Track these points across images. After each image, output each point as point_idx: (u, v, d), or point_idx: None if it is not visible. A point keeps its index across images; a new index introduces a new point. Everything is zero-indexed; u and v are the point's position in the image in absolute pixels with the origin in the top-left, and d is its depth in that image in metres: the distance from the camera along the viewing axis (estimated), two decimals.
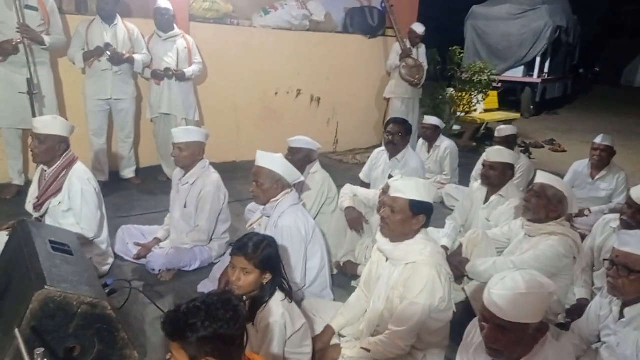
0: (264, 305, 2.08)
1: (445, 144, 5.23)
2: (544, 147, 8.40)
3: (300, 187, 3.37)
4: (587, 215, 4.22)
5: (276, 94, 6.36)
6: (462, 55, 7.94)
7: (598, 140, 4.36)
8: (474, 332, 1.87)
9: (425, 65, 6.58)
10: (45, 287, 1.77)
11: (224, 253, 3.42)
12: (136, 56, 4.65)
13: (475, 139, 8.23)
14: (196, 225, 3.36)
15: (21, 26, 3.92)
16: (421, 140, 5.50)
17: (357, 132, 7.26)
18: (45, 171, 3.03)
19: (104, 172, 4.88)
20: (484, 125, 8.55)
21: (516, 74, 11.92)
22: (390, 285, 2.25)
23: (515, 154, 3.71)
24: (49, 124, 2.94)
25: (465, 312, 2.60)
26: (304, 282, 2.81)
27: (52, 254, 2.11)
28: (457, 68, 7.79)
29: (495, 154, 3.49)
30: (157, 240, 3.46)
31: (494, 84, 8.69)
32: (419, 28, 6.42)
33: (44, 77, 4.27)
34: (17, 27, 3.91)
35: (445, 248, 3.28)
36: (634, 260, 1.95)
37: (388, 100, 6.85)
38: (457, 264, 2.86)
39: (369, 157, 4.55)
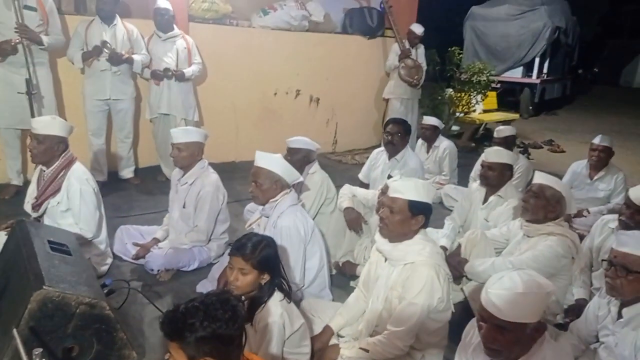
0: (262, 305, 2.08)
1: (444, 144, 5.24)
2: (542, 147, 8.41)
3: (299, 188, 3.37)
4: (585, 216, 4.23)
5: (275, 94, 6.36)
6: (461, 55, 7.95)
7: (596, 140, 4.37)
8: (472, 332, 1.87)
9: (424, 66, 6.59)
10: (44, 287, 1.77)
11: (223, 253, 3.42)
12: (135, 56, 4.65)
13: (474, 139, 8.24)
14: (195, 226, 3.36)
15: (19, 26, 3.92)
16: (420, 141, 5.50)
17: (356, 133, 7.26)
18: (44, 171, 3.03)
19: (103, 172, 4.88)
20: (483, 125, 8.56)
21: (515, 74, 11.93)
22: (389, 285, 2.25)
23: (513, 155, 3.71)
24: (47, 124, 2.94)
25: (463, 312, 2.61)
26: (302, 282, 2.81)
27: (51, 254, 2.11)
28: (456, 69, 7.80)
29: (493, 154, 3.49)
30: (156, 241, 3.46)
31: (493, 85, 8.71)
32: (418, 29, 6.43)
33: (42, 78, 4.27)
34: (16, 28, 3.91)
35: (444, 248, 3.28)
36: (632, 261, 1.95)
37: (387, 100, 6.86)
38: (455, 264, 2.87)
39: (367, 157, 4.55)
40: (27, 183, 3.99)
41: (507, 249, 2.96)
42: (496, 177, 3.42)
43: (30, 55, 4.06)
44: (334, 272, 3.35)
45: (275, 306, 2.08)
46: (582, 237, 3.19)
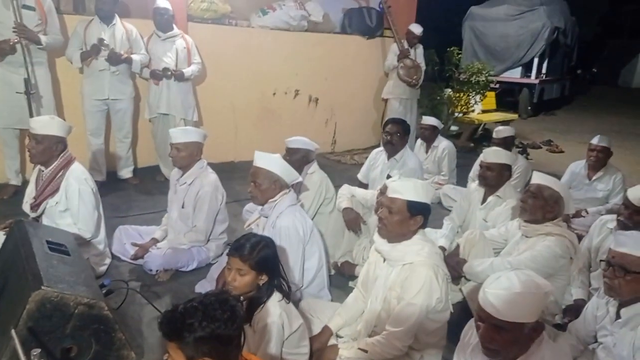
0: (261, 305, 2.08)
1: (443, 144, 5.24)
2: (541, 147, 8.42)
3: (298, 188, 3.37)
4: (584, 216, 4.23)
5: (274, 94, 6.36)
6: (460, 56, 7.95)
7: (595, 141, 4.37)
8: (470, 333, 1.87)
9: (423, 66, 6.59)
10: (42, 287, 1.77)
11: (222, 253, 3.41)
12: (134, 56, 4.65)
13: (473, 139, 8.24)
14: (194, 226, 3.36)
15: (18, 26, 3.91)
16: (419, 141, 5.51)
17: (355, 133, 7.26)
18: (43, 171, 3.02)
19: (102, 172, 4.87)
20: (482, 126, 8.56)
21: (514, 74, 11.94)
22: (387, 285, 2.25)
23: (512, 155, 3.71)
24: (46, 124, 2.94)
25: (462, 312, 2.61)
26: (301, 283, 2.81)
27: (49, 255, 2.11)
28: (455, 69, 7.81)
29: (492, 154, 3.50)
30: (155, 241, 3.46)
31: (492, 85, 8.71)
32: (417, 29, 6.43)
33: (41, 77, 4.26)
34: (14, 27, 3.90)
35: (442, 249, 3.28)
36: (630, 261, 1.96)
37: (386, 100, 6.86)
38: (454, 264, 2.87)
39: (366, 157, 4.55)
40: (25, 183, 3.98)
41: (506, 249, 2.96)
42: (495, 178, 3.43)
43: (28, 55, 4.05)
44: (332, 272, 3.35)
45: (274, 306, 2.08)
46: (580, 238, 3.19)
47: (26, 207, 3.11)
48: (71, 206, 2.99)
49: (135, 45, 4.71)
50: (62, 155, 2.98)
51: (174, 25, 4.91)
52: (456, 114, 7.92)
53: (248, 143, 5.98)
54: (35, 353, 1.36)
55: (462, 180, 5.18)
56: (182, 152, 3.27)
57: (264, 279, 2.09)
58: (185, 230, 3.37)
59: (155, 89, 4.93)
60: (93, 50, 4.43)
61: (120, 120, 4.87)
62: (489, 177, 3.44)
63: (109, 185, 4.82)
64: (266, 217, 2.83)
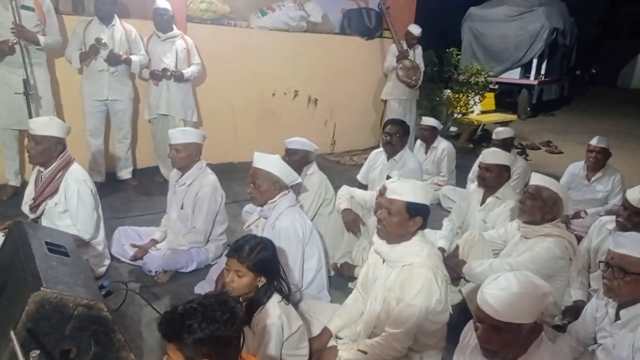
0: (260, 307, 2.08)
1: (442, 145, 5.25)
2: (540, 148, 8.43)
3: (298, 189, 3.37)
4: (583, 217, 4.24)
5: (273, 95, 6.36)
6: (459, 56, 7.96)
7: (593, 142, 4.38)
8: (470, 334, 1.87)
9: (422, 67, 6.60)
10: (41, 288, 1.76)
11: (221, 254, 3.41)
12: (133, 57, 4.64)
13: (472, 140, 8.24)
14: (193, 227, 3.35)
15: (16, 27, 3.91)
16: (419, 142, 5.51)
17: (354, 134, 7.26)
18: (42, 172, 3.02)
19: (101, 173, 4.87)
20: (481, 126, 8.57)
21: (513, 75, 11.94)
22: (387, 287, 2.25)
23: (511, 156, 3.72)
24: (45, 125, 2.94)
25: (461, 313, 2.60)
26: (301, 284, 2.81)
27: (48, 256, 2.11)
28: (454, 70, 7.82)
29: (490, 155, 3.50)
30: (154, 242, 3.46)
31: (491, 86, 8.72)
32: (415, 29, 6.44)
33: (40, 78, 4.26)
34: (12, 28, 3.90)
35: (442, 250, 3.28)
36: (629, 262, 1.96)
37: (385, 101, 6.86)
38: (453, 265, 2.87)
39: (366, 158, 4.55)
40: (24, 184, 3.98)
41: (505, 250, 2.96)
42: (493, 179, 3.43)
43: (27, 56, 4.05)
44: (332, 273, 3.35)
45: (274, 308, 2.08)
46: (579, 239, 3.19)
47: (25, 208, 3.11)
48: (70, 207, 2.99)
49: (134, 46, 4.71)
50: (61, 156, 2.98)
51: (174, 26, 4.90)
52: (455, 115, 7.92)
53: (247, 144, 5.98)
54: (34, 354, 1.36)
55: (461, 181, 5.18)
56: (181, 153, 3.27)
57: (262, 281, 2.09)
58: (184, 231, 3.37)
59: (155, 90, 4.93)
60: (92, 51, 4.42)
61: (119, 121, 4.87)
62: (487, 178, 3.44)
63: (108, 186, 4.81)
64: (265, 218, 2.83)
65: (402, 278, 2.18)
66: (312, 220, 3.15)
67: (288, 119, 6.49)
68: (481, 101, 8.25)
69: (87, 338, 1.86)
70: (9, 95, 4.09)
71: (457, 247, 3.08)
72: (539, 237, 2.71)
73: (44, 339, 1.77)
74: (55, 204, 2.98)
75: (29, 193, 3.10)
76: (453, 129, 8.31)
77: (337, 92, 6.91)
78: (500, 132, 4.85)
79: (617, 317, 2.06)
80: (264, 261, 2.08)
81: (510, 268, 2.54)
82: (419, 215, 2.21)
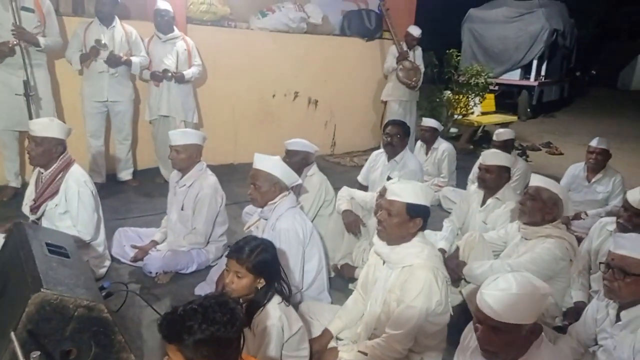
0: (261, 308, 2.08)
1: (443, 146, 5.25)
2: (540, 150, 8.43)
3: (298, 190, 3.37)
4: (583, 219, 4.23)
5: (274, 96, 6.36)
6: (459, 58, 7.97)
7: (594, 143, 4.38)
8: (470, 335, 1.87)
9: (422, 68, 6.61)
10: (42, 290, 1.76)
11: (221, 256, 3.41)
12: (133, 58, 4.65)
13: (472, 141, 8.24)
14: (193, 228, 3.35)
15: (16, 28, 3.92)
16: (419, 143, 5.51)
17: (354, 135, 7.27)
18: (42, 173, 3.02)
19: (101, 174, 4.87)
20: (481, 128, 8.57)
21: (513, 77, 11.95)
22: (387, 288, 2.25)
23: (510, 157, 3.71)
24: (45, 126, 2.94)
25: (462, 315, 2.60)
26: (301, 285, 2.81)
27: (49, 257, 2.10)
28: (454, 71, 7.82)
29: (490, 157, 3.50)
30: (154, 243, 3.46)
31: (491, 87, 8.72)
32: (415, 31, 6.45)
33: (40, 79, 4.26)
34: (12, 29, 3.91)
35: (442, 251, 3.28)
36: (629, 263, 1.96)
37: (385, 103, 6.87)
38: (454, 267, 2.87)
39: (366, 159, 4.55)
40: (25, 185, 3.98)
41: (505, 251, 2.96)
42: (494, 180, 3.43)
43: (28, 57, 4.06)
44: (332, 274, 3.35)
45: (274, 309, 2.08)
46: (580, 240, 3.19)
47: (26, 209, 3.11)
48: (71, 208, 2.99)
49: (135, 47, 4.71)
50: (61, 157, 2.98)
51: (175, 27, 4.91)
52: (455, 116, 7.93)
53: (247, 145, 5.98)
54: (34, 355, 1.36)
55: (461, 183, 5.18)
56: (182, 154, 3.27)
57: (261, 282, 2.08)
58: (184, 233, 3.37)
59: (155, 91, 4.93)
60: (92, 52, 4.43)
61: (119, 122, 4.87)
62: (487, 180, 3.44)
63: (109, 188, 4.81)
64: (266, 220, 2.83)
65: (403, 279, 2.18)
66: (312, 221, 3.15)
67: (288, 120, 6.49)
68: (481, 102, 8.26)
69: (88, 339, 1.86)
70: (9, 96, 4.09)
71: (457, 249, 3.08)
72: (540, 238, 2.71)
73: (45, 340, 1.77)
74: (56, 205, 2.98)
75: (30, 194, 3.10)
76: (453, 130, 8.31)
77: (337, 94, 6.92)
78: (501, 134, 4.85)
79: (618, 319, 2.06)
80: (263, 263, 2.07)
81: (511, 269, 2.54)
82: (419, 217, 2.21)
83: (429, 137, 5.29)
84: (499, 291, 1.60)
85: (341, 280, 3.34)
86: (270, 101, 6.35)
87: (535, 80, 11.94)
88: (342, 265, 3.39)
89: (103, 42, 4.43)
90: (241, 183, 4.98)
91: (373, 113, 7.42)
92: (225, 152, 6.02)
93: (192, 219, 3.35)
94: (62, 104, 4.80)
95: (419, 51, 6.61)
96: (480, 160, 3.65)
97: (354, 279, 3.20)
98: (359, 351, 2.21)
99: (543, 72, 12.16)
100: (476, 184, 3.65)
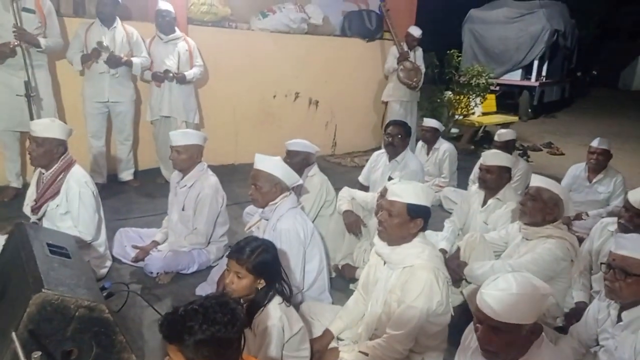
0: (261, 308, 2.08)
1: (444, 146, 5.25)
2: (541, 150, 8.42)
3: (299, 190, 3.37)
4: (584, 219, 4.23)
5: (274, 97, 6.36)
6: (459, 58, 7.97)
7: (594, 143, 4.37)
8: (471, 336, 1.87)
9: (423, 68, 6.61)
10: (43, 290, 1.76)
11: (222, 256, 3.41)
12: (134, 59, 4.65)
13: (473, 142, 8.24)
14: (194, 228, 3.36)
15: (17, 29, 3.92)
16: (420, 143, 5.51)
17: (355, 135, 7.27)
18: (43, 174, 3.03)
19: (102, 175, 4.88)
20: (482, 128, 8.57)
21: (514, 77, 11.95)
22: (388, 288, 2.25)
23: (511, 157, 3.71)
24: (46, 126, 2.94)
25: (463, 315, 2.60)
26: (302, 285, 2.81)
27: (50, 257, 2.11)
28: (455, 71, 7.82)
29: (491, 157, 3.49)
30: (155, 243, 3.46)
31: (492, 87, 8.72)
32: (416, 31, 6.45)
33: (41, 80, 4.27)
34: (13, 30, 3.91)
35: (443, 251, 3.29)
36: (630, 264, 1.96)
37: (386, 103, 6.87)
38: (455, 267, 2.87)
39: (367, 160, 4.55)
40: (26, 185, 3.99)
41: (506, 252, 2.96)
42: (494, 180, 3.43)
43: (29, 58, 4.06)
44: (333, 274, 3.35)
45: (275, 309, 2.08)
46: (581, 240, 3.19)
47: (27, 209, 3.11)
48: (72, 209, 2.99)
49: (136, 48, 4.71)
50: (62, 157, 2.99)
51: (176, 28, 4.91)
52: (456, 117, 7.92)
53: (248, 145, 5.99)
54: (36, 356, 1.36)
55: (462, 183, 5.18)
56: (183, 154, 3.27)
57: (261, 283, 2.08)
58: (185, 233, 3.37)
59: (157, 92, 4.93)
60: (93, 54, 4.44)
61: (120, 123, 4.87)
62: (488, 180, 3.44)
63: (110, 188, 4.82)
64: (267, 220, 2.83)
65: (403, 280, 2.18)
66: (313, 221, 3.15)
67: (289, 120, 6.50)
68: (482, 103, 8.25)
69: (89, 339, 1.86)
70: (11, 97, 4.10)
71: (458, 249, 3.07)
72: (541, 238, 2.71)
73: (46, 341, 1.77)
74: (57, 205, 2.98)
75: (31, 195, 3.11)
76: (454, 130, 8.31)
77: (338, 94, 6.92)
78: (502, 134, 4.85)
79: (619, 319, 2.06)
80: (263, 264, 2.07)
81: (512, 269, 2.53)
82: (420, 217, 2.21)
83: (430, 138, 5.29)
84: (499, 291, 1.60)
85: (342, 281, 3.34)
86: (271, 102, 6.35)
87: (536, 80, 11.94)
88: (343, 265, 3.39)
89: (105, 44, 4.44)
90: (242, 183, 4.98)
91: (374, 113, 7.42)
92: (226, 153, 6.02)
93: (193, 219, 3.35)
94: (63, 104, 4.80)
95: (419, 52, 6.62)
96: (480, 161, 3.64)
97: (354, 279, 3.20)
98: (359, 351, 2.21)
99: (544, 73, 12.17)
100: (477, 184, 3.65)
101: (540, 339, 1.66)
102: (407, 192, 2.21)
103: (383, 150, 4.23)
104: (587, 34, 15.71)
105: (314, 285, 2.87)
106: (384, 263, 2.32)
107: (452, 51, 7.78)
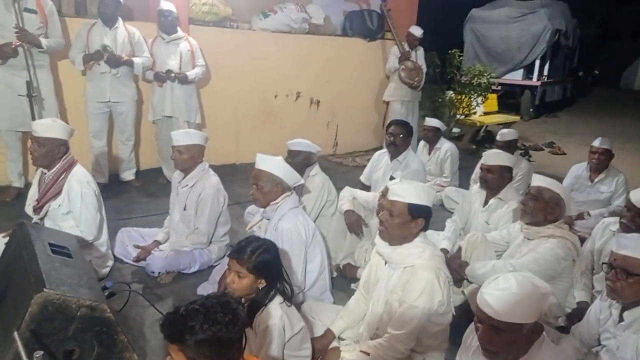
0: (262, 308, 2.08)
1: (446, 146, 5.24)
2: (543, 149, 8.41)
3: (300, 190, 3.37)
4: (586, 219, 4.22)
5: (276, 96, 6.37)
6: (461, 58, 7.96)
7: (596, 143, 4.36)
8: (472, 336, 1.87)
9: (424, 68, 6.61)
10: (45, 290, 1.77)
11: (224, 256, 3.41)
12: (135, 59, 4.65)
13: (474, 141, 8.24)
14: (196, 228, 3.36)
15: (19, 29, 3.93)
16: (422, 142, 5.50)
17: (356, 135, 7.27)
18: (45, 174, 3.03)
19: (104, 175, 4.89)
20: (484, 128, 8.56)
21: (515, 77, 11.94)
22: (389, 288, 2.25)
23: (512, 157, 3.71)
24: (48, 127, 2.94)
25: (464, 315, 2.60)
26: (303, 285, 2.81)
27: (52, 257, 2.11)
28: (457, 71, 7.81)
29: (492, 157, 3.49)
30: (157, 243, 3.46)
31: (494, 87, 8.71)
32: (417, 31, 6.45)
33: (43, 80, 4.28)
34: (15, 31, 3.92)
35: (445, 251, 3.28)
36: (632, 264, 1.95)
37: (387, 103, 6.87)
38: (456, 267, 2.86)
39: (368, 159, 4.55)
40: (28, 185, 3.99)
41: (508, 251, 2.96)
42: (496, 180, 3.42)
43: (30, 58, 4.07)
44: (334, 274, 3.35)
45: (275, 309, 2.08)
46: (583, 240, 3.18)
47: (29, 209, 3.12)
48: (74, 209, 3.00)
49: (137, 48, 4.72)
50: (64, 158, 2.99)
51: (178, 28, 4.92)
52: (458, 116, 7.92)
53: (250, 145, 5.99)
54: (37, 355, 1.36)
55: (464, 183, 5.18)
56: (184, 154, 3.28)
57: (262, 283, 2.09)
58: (187, 233, 3.38)
59: (159, 92, 4.94)
60: (96, 55, 4.44)
61: (122, 123, 4.88)
62: (489, 180, 3.44)
63: (111, 188, 4.83)
64: (268, 220, 2.83)
65: (404, 279, 2.18)
66: (314, 221, 3.15)
67: (290, 120, 6.50)
68: (484, 102, 8.25)
69: (90, 339, 1.87)
70: (12, 97, 4.11)
71: (459, 249, 3.07)
72: (542, 238, 2.70)
73: (47, 340, 1.78)
74: (59, 205, 2.99)
75: (33, 194, 3.11)
76: (455, 130, 8.31)
77: (339, 94, 6.92)
78: (504, 134, 4.84)
79: (621, 319, 2.05)
80: (264, 264, 2.07)
81: (513, 269, 2.53)
82: (421, 217, 2.21)
83: (431, 137, 5.28)
84: (499, 290, 1.60)
85: (343, 280, 3.34)
86: (273, 101, 6.35)
87: (538, 80, 11.92)
88: (345, 265, 3.39)
89: (109, 48, 4.44)
90: (243, 183, 4.98)
91: (375, 113, 7.42)
92: (227, 153, 6.03)
93: (194, 219, 3.36)
94: (65, 104, 4.81)
95: (420, 51, 6.61)
96: (482, 161, 3.64)
97: (356, 279, 3.20)
98: (361, 351, 2.21)
99: (545, 72, 12.14)
100: (478, 184, 3.65)
101: (541, 338, 1.66)
102: (408, 192, 2.21)
103: (385, 149, 4.23)
104: (589, 34, 15.68)
105: (315, 285, 2.87)
106: (385, 263, 2.31)
107: (453, 51, 7.77)
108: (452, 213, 4.09)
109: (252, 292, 2.09)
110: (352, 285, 3.23)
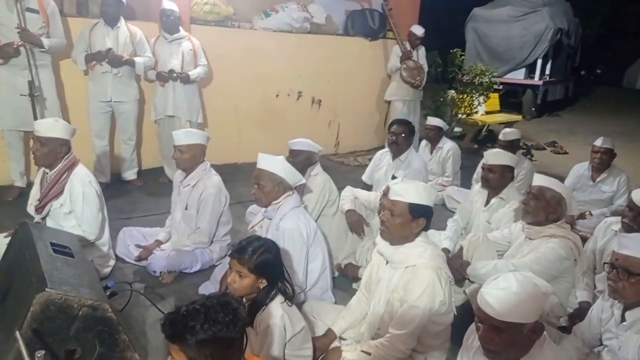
0: (263, 307, 2.08)
1: (447, 145, 5.24)
2: (545, 149, 8.40)
3: (302, 190, 3.37)
4: (588, 218, 4.22)
5: (277, 96, 6.37)
6: (463, 57, 7.94)
7: (598, 143, 4.35)
8: (473, 336, 1.87)
9: (426, 67, 6.60)
10: (46, 289, 1.77)
11: (225, 255, 3.41)
12: (137, 59, 4.66)
13: (476, 141, 8.23)
14: (197, 228, 3.36)
15: (21, 29, 3.94)
16: (424, 142, 5.50)
17: (358, 134, 7.26)
18: (47, 173, 3.04)
19: (106, 174, 4.89)
20: (486, 127, 8.55)
21: (517, 76, 11.91)
22: (390, 288, 2.25)
23: (514, 156, 3.70)
24: (50, 126, 2.95)
25: (465, 314, 2.59)
26: (305, 285, 2.81)
27: (53, 257, 2.12)
28: (458, 70, 7.80)
29: (493, 156, 3.49)
30: (158, 242, 3.47)
31: (495, 86, 8.69)
32: (418, 30, 6.44)
33: (45, 80, 4.29)
34: (17, 30, 3.93)
35: (446, 250, 3.28)
36: (633, 263, 1.95)
37: (389, 102, 6.86)
38: (457, 266, 2.86)
39: (370, 159, 4.55)
40: (30, 185, 4.00)
41: (509, 251, 2.95)
42: (497, 179, 3.42)
43: (32, 58, 4.08)
44: (336, 274, 3.35)
45: (276, 308, 2.08)
46: (585, 239, 3.18)
47: (31, 209, 3.12)
48: (75, 208, 3.00)
49: (139, 47, 4.72)
50: (66, 157, 3.00)
51: (180, 28, 4.92)
52: (460, 116, 7.90)
53: (251, 145, 5.98)
54: (39, 355, 1.36)
55: (466, 182, 5.17)
56: (185, 154, 3.28)
57: (263, 282, 2.09)
58: (188, 232, 3.38)
59: (161, 91, 4.94)
60: (98, 56, 4.45)
61: (124, 123, 4.89)
62: (491, 179, 3.43)
63: (113, 187, 4.83)
64: (270, 219, 2.83)
65: (406, 279, 2.18)
66: (316, 221, 3.15)
67: (292, 120, 6.50)
68: (485, 102, 8.23)
69: (92, 338, 1.87)
70: (14, 96, 4.11)
71: (461, 248, 3.07)
72: (544, 237, 2.70)
73: (49, 340, 1.78)
74: (61, 205, 2.99)
75: (34, 194, 3.12)
76: (457, 129, 8.29)
77: (340, 93, 6.91)
78: (507, 134, 4.84)
79: (623, 319, 2.05)
80: (265, 263, 2.07)
81: (515, 269, 2.53)
82: (422, 217, 2.21)
83: (433, 136, 5.28)
84: (500, 290, 1.60)
85: (345, 280, 3.34)
86: (274, 101, 6.35)
87: (540, 79, 11.89)
88: (346, 264, 3.39)
89: (113, 50, 4.45)
90: (245, 183, 4.98)
91: (377, 112, 7.41)
92: (229, 152, 6.02)
93: (196, 218, 3.36)
94: (67, 104, 4.82)
95: (422, 50, 6.61)
96: (483, 160, 3.64)
97: (357, 279, 3.19)
98: (362, 351, 2.21)
99: (548, 71, 12.11)
100: (480, 183, 3.64)
101: (542, 338, 1.66)
102: (409, 191, 2.21)
103: (387, 149, 4.23)
104: (591, 33, 15.65)
105: (316, 284, 2.87)
106: (387, 262, 2.31)
107: (455, 50, 7.75)
108: (453, 212, 4.09)
109: (253, 292, 2.09)
110: (354, 285, 3.23)
